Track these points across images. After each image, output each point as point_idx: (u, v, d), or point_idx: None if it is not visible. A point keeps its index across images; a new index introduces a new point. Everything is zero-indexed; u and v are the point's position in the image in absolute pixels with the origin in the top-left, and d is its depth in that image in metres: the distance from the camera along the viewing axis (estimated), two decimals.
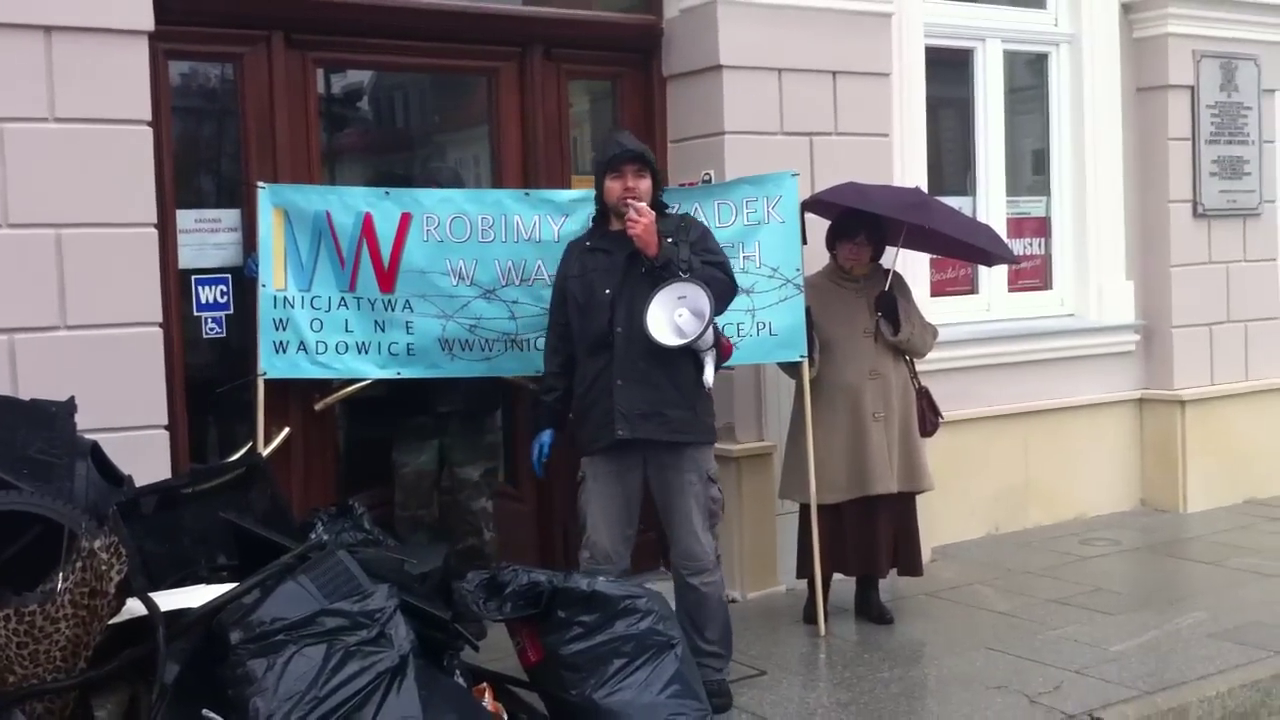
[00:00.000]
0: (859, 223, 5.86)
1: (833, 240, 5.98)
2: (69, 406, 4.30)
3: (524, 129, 6.29)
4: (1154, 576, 6.88)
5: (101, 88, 4.92)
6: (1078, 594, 6.38)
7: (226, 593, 3.71)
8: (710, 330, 4.79)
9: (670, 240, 4.85)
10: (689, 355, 4.86)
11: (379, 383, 5.65)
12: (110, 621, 3.57)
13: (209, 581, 4.01)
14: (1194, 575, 6.82)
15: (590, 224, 5.22)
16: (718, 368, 4.98)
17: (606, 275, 4.95)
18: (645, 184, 4.94)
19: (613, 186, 4.95)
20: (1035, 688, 5.08)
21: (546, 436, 5.20)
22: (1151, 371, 8.28)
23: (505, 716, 4.13)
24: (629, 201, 4.85)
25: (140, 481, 4.42)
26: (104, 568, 3.49)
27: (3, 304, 4.77)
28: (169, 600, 3.69)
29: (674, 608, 4.84)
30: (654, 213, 4.85)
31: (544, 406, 5.24)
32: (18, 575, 3.61)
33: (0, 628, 3.38)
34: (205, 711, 3.51)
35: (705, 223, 5.28)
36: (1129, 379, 8.27)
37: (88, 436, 4.36)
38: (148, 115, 5.04)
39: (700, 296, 4.73)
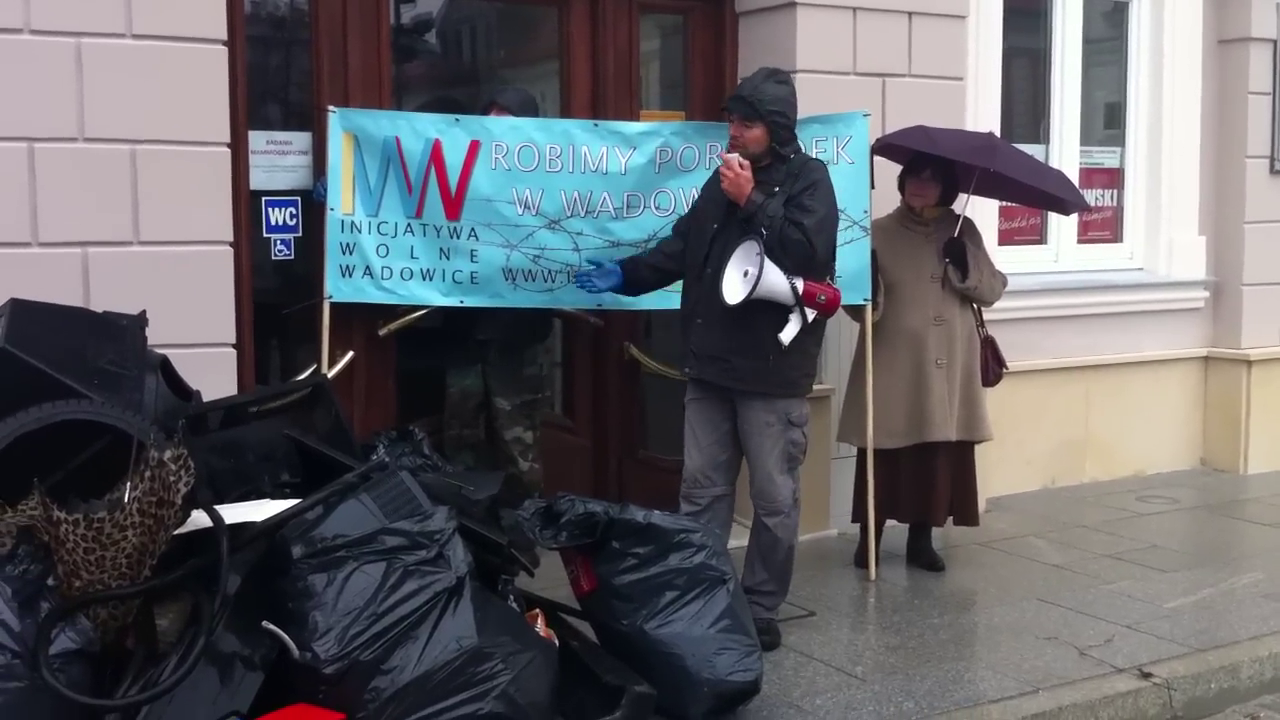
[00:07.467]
0: (925, 159, 5.81)
1: (902, 180, 5.93)
2: (140, 320, 4.35)
3: (594, 63, 6.25)
4: (1211, 536, 6.82)
5: (179, 6, 4.94)
6: (1133, 550, 6.34)
7: (290, 508, 3.77)
8: (786, 288, 4.74)
9: (774, 191, 4.81)
10: (771, 308, 4.79)
11: (438, 311, 5.70)
12: (175, 532, 3.63)
13: (272, 497, 4.07)
14: (1251, 536, 6.76)
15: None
16: (809, 321, 4.83)
17: (716, 208, 4.98)
18: (752, 133, 4.87)
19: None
20: (1086, 640, 5.08)
21: (614, 266, 5.39)
22: (1219, 329, 8.18)
23: (557, 642, 4.17)
24: (721, 154, 4.95)
25: (206, 399, 4.48)
26: (172, 479, 3.53)
27: (77, 218, 4.84)
28: (233, 513, 3.74)
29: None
30: (748, 164, 4.82)
31: (637, 254, 5.44)
32: (87, 483, 3.67)
33: (69, 533, 3.44)
34: (265, 624, 3.58)
35: None
36: (1195, 336, 8.18)
37: (157, 351, 4.43)
38: (224, 35, 5.06)
39: (760, 259, 4.66)
